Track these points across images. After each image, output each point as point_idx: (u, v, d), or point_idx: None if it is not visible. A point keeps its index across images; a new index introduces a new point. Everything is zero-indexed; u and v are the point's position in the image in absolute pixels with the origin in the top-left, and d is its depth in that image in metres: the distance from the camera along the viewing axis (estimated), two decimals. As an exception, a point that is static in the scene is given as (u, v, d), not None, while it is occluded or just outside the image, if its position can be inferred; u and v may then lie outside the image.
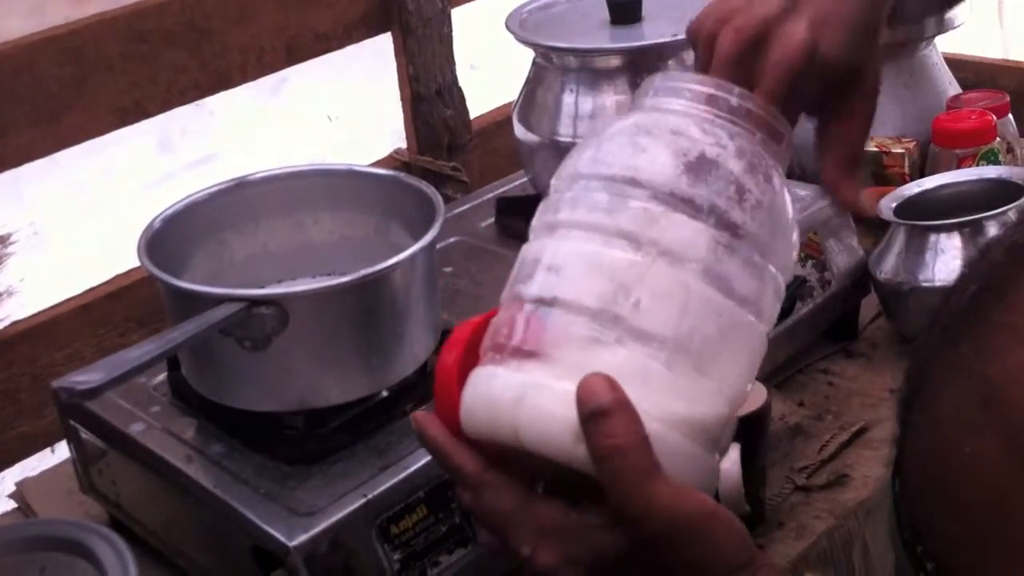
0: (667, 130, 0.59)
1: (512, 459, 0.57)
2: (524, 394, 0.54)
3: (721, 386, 0.57)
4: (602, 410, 0.54)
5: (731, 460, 0.87)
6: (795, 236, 0.62)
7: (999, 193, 1.11)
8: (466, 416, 0.57)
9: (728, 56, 0.66)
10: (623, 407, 0.54)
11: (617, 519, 0.56)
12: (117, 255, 1.14)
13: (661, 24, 1.08)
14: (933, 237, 1.09)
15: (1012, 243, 0.50)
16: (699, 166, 0.57)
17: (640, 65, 1.06)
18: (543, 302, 0.56)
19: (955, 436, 0.47)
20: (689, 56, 1.09)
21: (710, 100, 0.61)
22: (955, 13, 1.37)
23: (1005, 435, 0.45)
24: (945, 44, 1.45)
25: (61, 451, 1.07)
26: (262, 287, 0.98)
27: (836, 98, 0.69)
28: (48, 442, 1.13)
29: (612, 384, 0.54)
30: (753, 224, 0.58)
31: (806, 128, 1.50)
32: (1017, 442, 0.44)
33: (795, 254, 0.62)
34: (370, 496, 0.82)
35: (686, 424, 0.56)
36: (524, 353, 0.55)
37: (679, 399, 0.56)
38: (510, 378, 0.55)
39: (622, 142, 0.59)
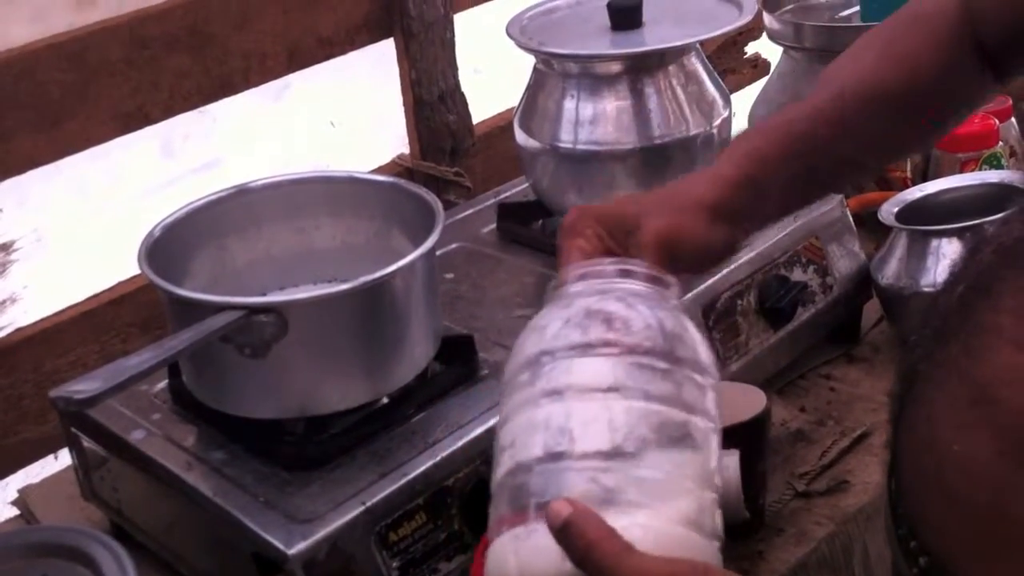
0: (554, 309, 0.68)
1: None
2: (516, 546, 0.62)
3: (668, 467, 0.62)
4: (567, 521, 0.59)
5: (731, 466, 0.87)
6: (696, 341, 0.68)
7: (1002, 197, 1.11)
8: None
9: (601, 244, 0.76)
10: (583, 512, 0.59)
11: None
12: (120, 261, 1.14)
13: (662, 29, 1.08)
14: (935, 242, 1.08)
15: (1000, 244, 0.50)
16: (584, 320, 0.66)
17: (641, 70, 1.06)
18: (509, 474, 0.64)
19: (946, 434, 0.48)
20: (689, 62, 1.09)
21: (585, 276, 0.70)
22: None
23: (994, 433, 0.46)
24: (948, 48, 1.44)
25: (64, 458, 1.07)
26: (263, 293, 0.98)
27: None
28: (51, 448, 1.13)
29: (570, 501, 0.60)
30: (649, 341, 0.65)
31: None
32: (1006, 439, 0.45)
33: (703, 352, 0.68)
34: (369, 503, 0.83)
35: (650, 509, 0.61)
36: (508, 522, 0.63)
37: (634, 494, 0.61)
38: (502, 541, 0.63)
39: (527, 332, 0.68)
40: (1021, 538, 0.45)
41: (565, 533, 0.59)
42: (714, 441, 0.66)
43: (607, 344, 0.65)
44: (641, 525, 0.60)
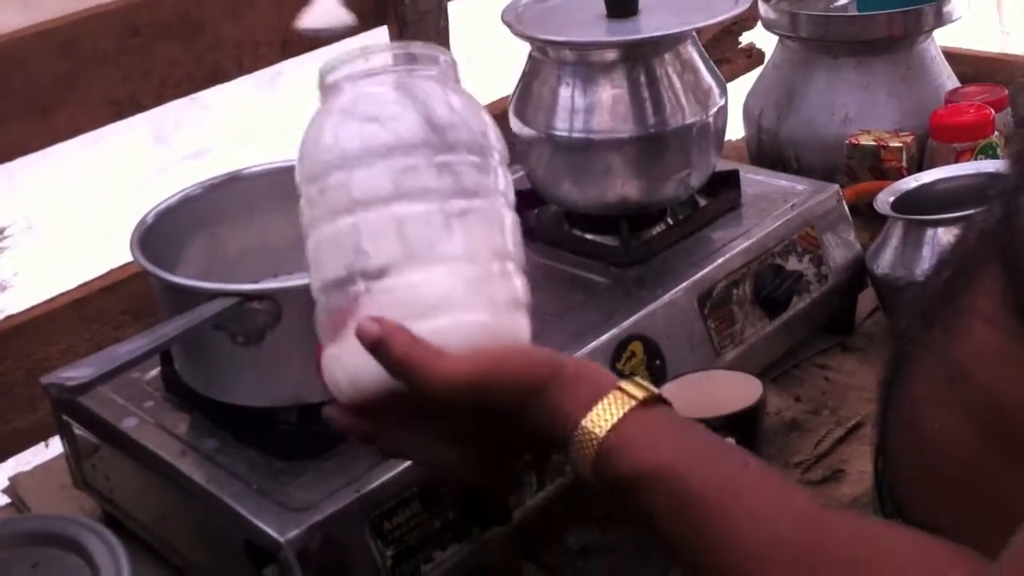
0: (327, 113, 0.70)
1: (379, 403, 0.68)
2: (340, 363, 0.68)
3: (460, 260, 0.67)
4: (377, 340, 0.64)
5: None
6: (469, 118, 0.70)
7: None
8: (334, 396, 0.70)
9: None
10: (391, 329, 0.64)
11: (428, 405, 0.66)
12: (111, 249, 1.14)
13: (658, 17, 1.07)
14: (930, 232, 1.08)
15: (981, 229, 0.51)
16: (356, 128, 0.68)
17: (637, 58, 1.05)
18: (320, 291, 0.69)
19: (926, 412, 0.50)
20: (685, 50, 1.09)
21: (346, 75, 0.71)
22: (953, 7, 1.36)
23: (970, 411, 0.47)
24: (943, 38, 1.44)
25: (55, 446, 1.07)
26: (256, 281, 0.98)
27: None
28: (42, 436, 1.13)
29: (376, 319, 0.65)
30: (419, 137, 0.68)
31: (803, 121, 1.50)
32: (981, 418, 0.47)
33: (478, 126, 0.70)
34: (363, 491, 0.82)
35: (451, 308, 0.66)
36: (329, 336, 0.69)
37: (432, 296, 0.66)
38: (328, 357, 0.69)
39: (306, 142, 0.71)
40: (996, 512, 0.46)
41: (378, 350, 0.64)
42: (505, 214, 0.70)
43: (379, 151, 0.67)
44: (442, 327, 0.65)
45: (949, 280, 0.52)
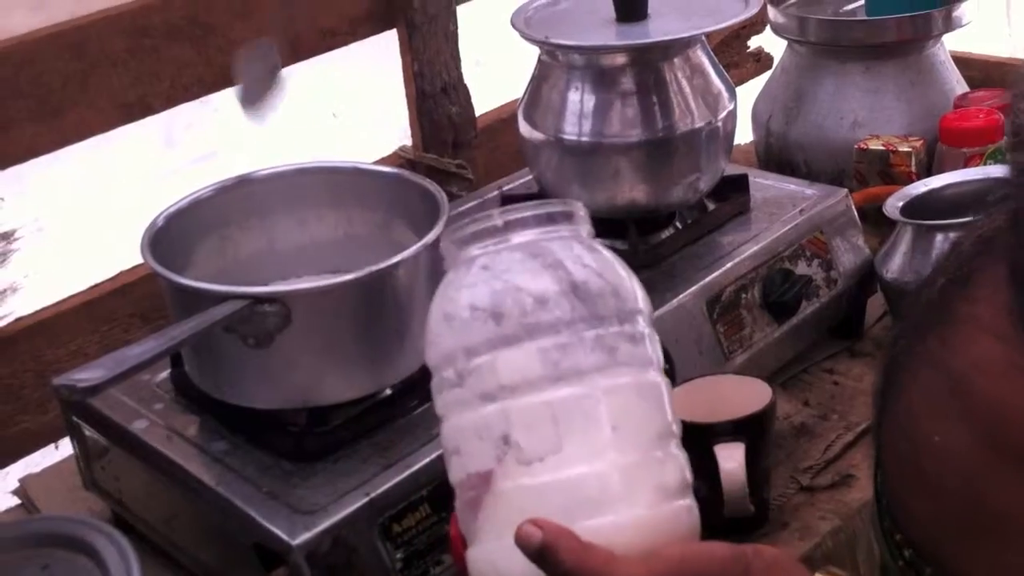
0: (460, 288, 0.63)
1: None
2: (495, 562, 0.61)
3: (624, 448, 0.60)
4: (541, 546, 0.58)
5: (735, 460, 0.87)
6: (617, 281, 0.64)
7: (1006, 192, 1.10)
8: None
9: None
10: (555, 533, 0.58)
11: None
12: (121, 251, 1.14)
13: (667, 21, 1.07)
14: (940, 236, 1.08)
15: (979, 236, 0.51)
16: (496, 304, 0.61)
17: (646, 62, 1.06)
18: (465, 487, 0.62)
19: (925, 425, 0.49)
20: (694, 54, 1.09)
21: (482, 235, 0.65)
22: (963, 12, 1.36)
23: (971, 423, 0.46)
24: (952, 42, 1.44)
25: (65, 447, 1.07)
26: (266, 284, 0.98)
27: None
28: (52, 438, 1.13)
29: (537, 522, 0.58)
30: (567, 312, 0.61)
31: (812, 125, 1.49)
32: (983, 429, 0.46)
33: (626, 290, 0.64)
34: (373, 494, 0.82)
35: (616, 503, 0.60)
36: (477, 531, 0.62)
37: (596, 490, 0.60)
38: (480, 554, 0.62)
39: (438, 319, 0.64)
40: (998, 527, 0.46)
41: (543, 558, 0.58)
42: (661, 384, 0.63)
43: (526, 330, 0.60)
44: (604, 525, 0.59)
45: (944, 288, 0.50)
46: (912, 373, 0.50)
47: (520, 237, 0.64)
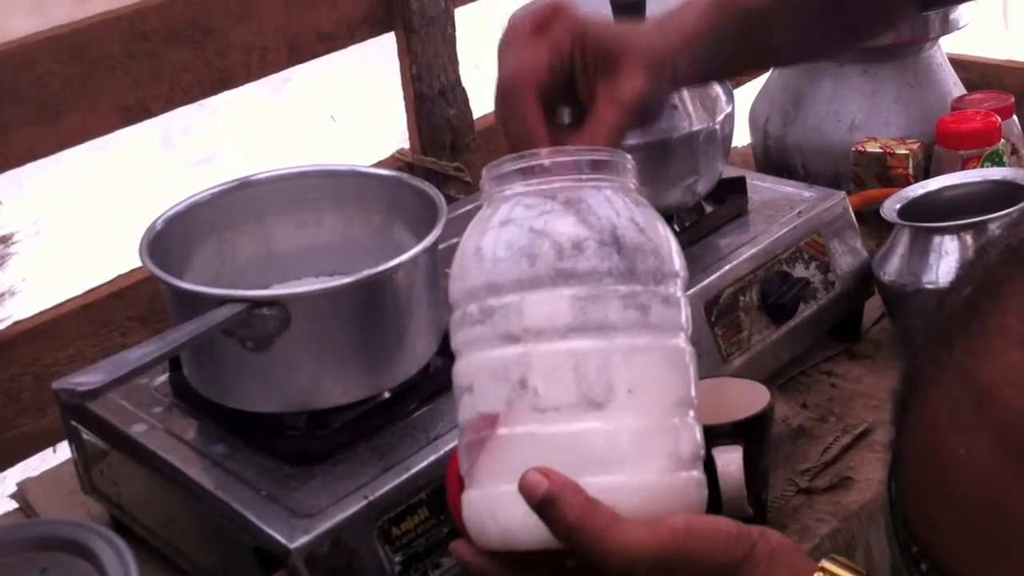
0: (496, 224, 0.62)
1: (527, 556, 0.61)
2: (492, 509, 0.60)
3: (642, 410, 0.59)
4: (545, 497, 0.57)
5: (734, 462, 0.87)
6: (658, 240, 0.62)
7: (1003, 195, 1.11)
8: (474, 538, 0.62)
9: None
10: (561, 486, 0.57)
11: (595, 573, 0.59)
12: (119, 254, 1.14)
13: (665, 24, 1.07)
14: (937, 239, 1.08)
15: (1007, 246, 0.50)
16: (531, 244, 0.60)
17: (644, 65, 1.05)
18: (473, 426, 0.61)
19: (949, 437, 0.47)
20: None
21: (525, 173, 0.63)
22: (960, 14, 1.37)
23: (997, 435, 0.45)
24: (950, 45, 1.44)
25: (63, 451, 1.07)
26: (265, 287, 0.98)
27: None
28: (50, 442, 1.13)
29: (544, 471, 0.57)
30: (605, 263, 0.60)
31: (809, 128, 1.49)
32: (1009, 442, 0.45)
33: (666, 251, 0.63)
34: (372, 497, 0.82)
35: (625, 464, 0.59)
36: (478, 474, 0.61)
37: (607, 448, 0.59)
38: (478, 498, 0.61)
39: (468, 253, 0.62)
40: (1022, 543, 0.45)
41: (545, 510, 0.57)
42: (687, 352, 0.62)
43: (559, 275, 0.59)
44: (612, 485, 0.58)
45: (970, 298, 0.49)
46: (936, 383, 0.49)
47: (564, 181, 0.62)
